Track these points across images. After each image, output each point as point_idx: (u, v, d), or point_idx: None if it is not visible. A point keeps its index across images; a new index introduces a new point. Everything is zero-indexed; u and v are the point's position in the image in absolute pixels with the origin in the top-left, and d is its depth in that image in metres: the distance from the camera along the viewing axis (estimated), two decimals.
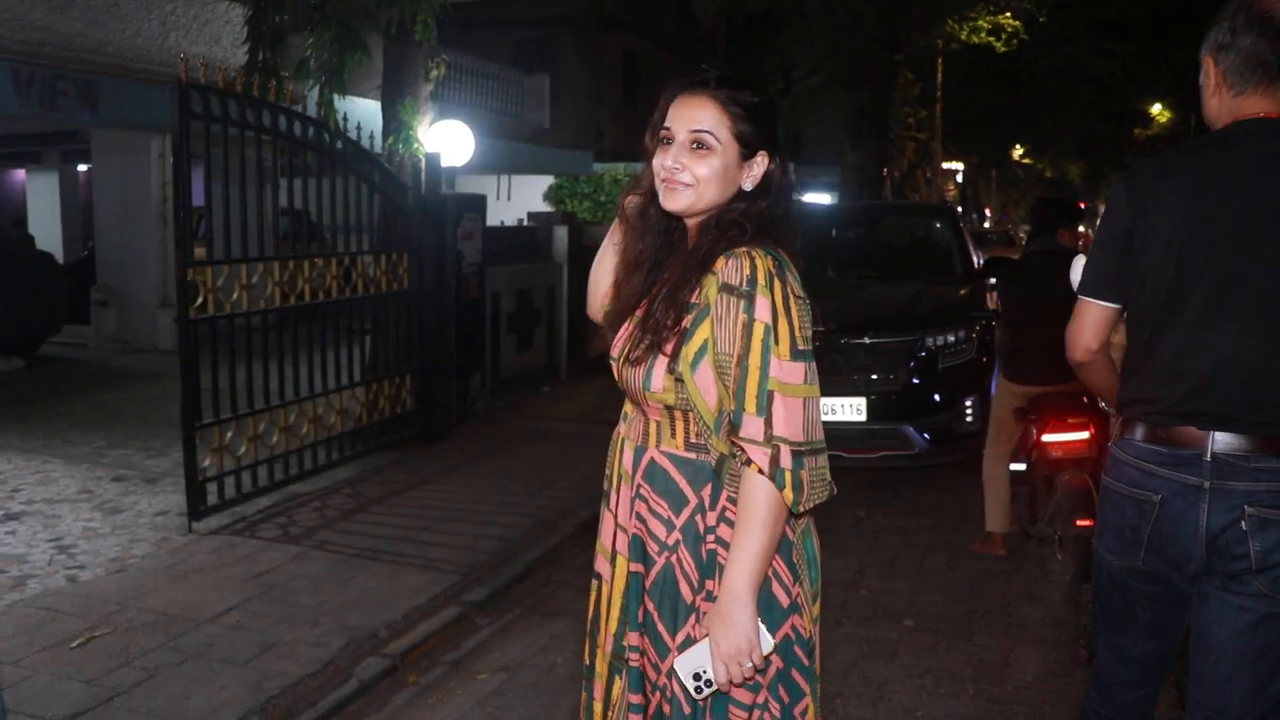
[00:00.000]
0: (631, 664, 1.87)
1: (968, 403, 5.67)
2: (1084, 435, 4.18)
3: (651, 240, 1.92)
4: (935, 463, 5.88)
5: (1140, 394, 2.09)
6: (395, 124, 7.14)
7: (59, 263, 11.29)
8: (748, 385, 1.70)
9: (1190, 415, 2.00)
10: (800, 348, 1.71)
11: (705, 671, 1.76)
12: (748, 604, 1.70)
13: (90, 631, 3.67)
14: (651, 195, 1.88)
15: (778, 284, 1.71)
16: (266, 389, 5.32)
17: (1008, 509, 4.77)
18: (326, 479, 5.69)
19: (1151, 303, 2.04)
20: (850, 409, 5.61)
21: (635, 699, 1.87)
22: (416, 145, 7.16)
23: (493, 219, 9.23)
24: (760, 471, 1.68)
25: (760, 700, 1.82)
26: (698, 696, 1.78)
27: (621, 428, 1.94)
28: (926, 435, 5.61)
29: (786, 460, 1.68)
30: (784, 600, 1.81)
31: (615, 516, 1.91)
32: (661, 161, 1.82)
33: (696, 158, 1.79)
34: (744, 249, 1.74)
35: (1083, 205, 18.90)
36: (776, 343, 1.69)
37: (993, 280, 5.76)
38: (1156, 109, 28.82)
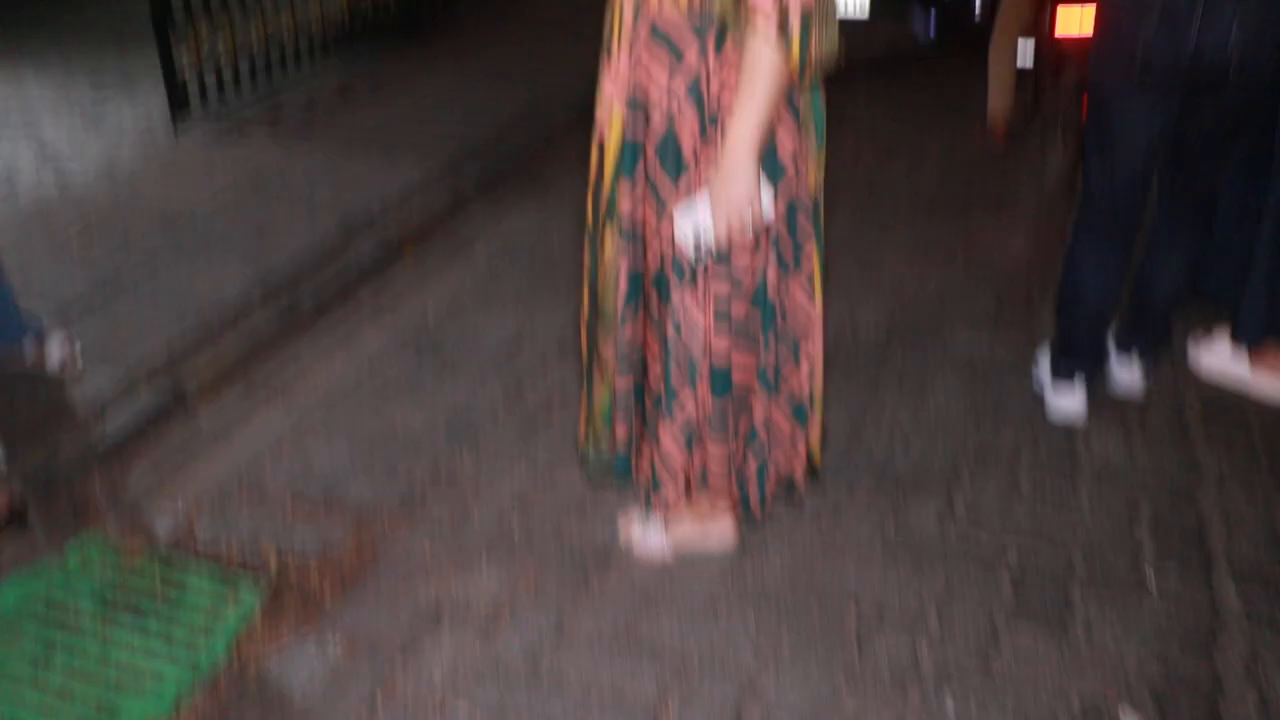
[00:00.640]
0: (623, 217, 1.88)
1: None
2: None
3: None
4: (942, 53, 5.70)
5: None
6: None
7: None
8: None
9: None
10: None
11: (704, 233, 1.76)
12: (749, 161, 1.72)
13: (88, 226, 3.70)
14: None
15: None
16: None
17: (1011, 92, 4.61)
18: (313, 82, 5.52)
19: None
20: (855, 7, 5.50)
21: (625, 251, 1.90)
22: None
23: None
24: (766, 34, 1.63)
25: (759, 263, 1.86)
26: (694, 257, 1.81)
27: None
28: (934, 17, 5.41)
29: (795, 24, 1.62)
30: (789, 145, 1.81)
31: (615, 67, 1.84)
32: None
33: None
34: None
35: None
36: None
37: None
38: None
